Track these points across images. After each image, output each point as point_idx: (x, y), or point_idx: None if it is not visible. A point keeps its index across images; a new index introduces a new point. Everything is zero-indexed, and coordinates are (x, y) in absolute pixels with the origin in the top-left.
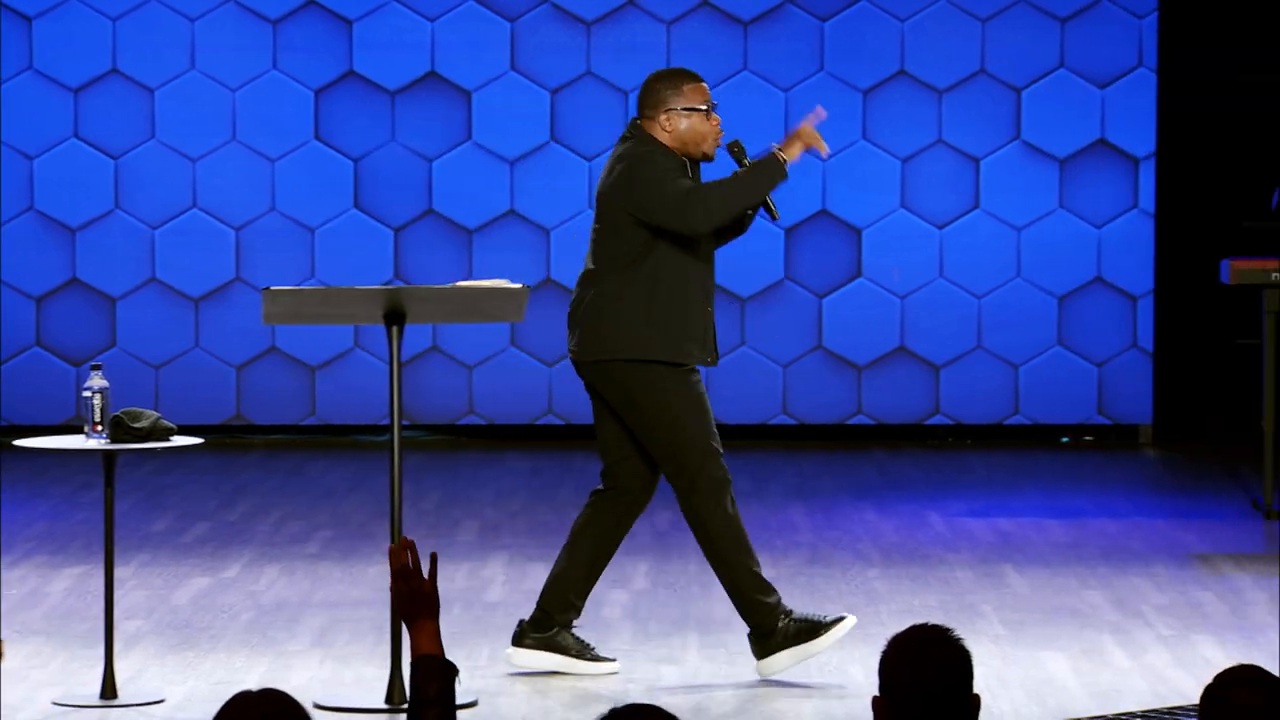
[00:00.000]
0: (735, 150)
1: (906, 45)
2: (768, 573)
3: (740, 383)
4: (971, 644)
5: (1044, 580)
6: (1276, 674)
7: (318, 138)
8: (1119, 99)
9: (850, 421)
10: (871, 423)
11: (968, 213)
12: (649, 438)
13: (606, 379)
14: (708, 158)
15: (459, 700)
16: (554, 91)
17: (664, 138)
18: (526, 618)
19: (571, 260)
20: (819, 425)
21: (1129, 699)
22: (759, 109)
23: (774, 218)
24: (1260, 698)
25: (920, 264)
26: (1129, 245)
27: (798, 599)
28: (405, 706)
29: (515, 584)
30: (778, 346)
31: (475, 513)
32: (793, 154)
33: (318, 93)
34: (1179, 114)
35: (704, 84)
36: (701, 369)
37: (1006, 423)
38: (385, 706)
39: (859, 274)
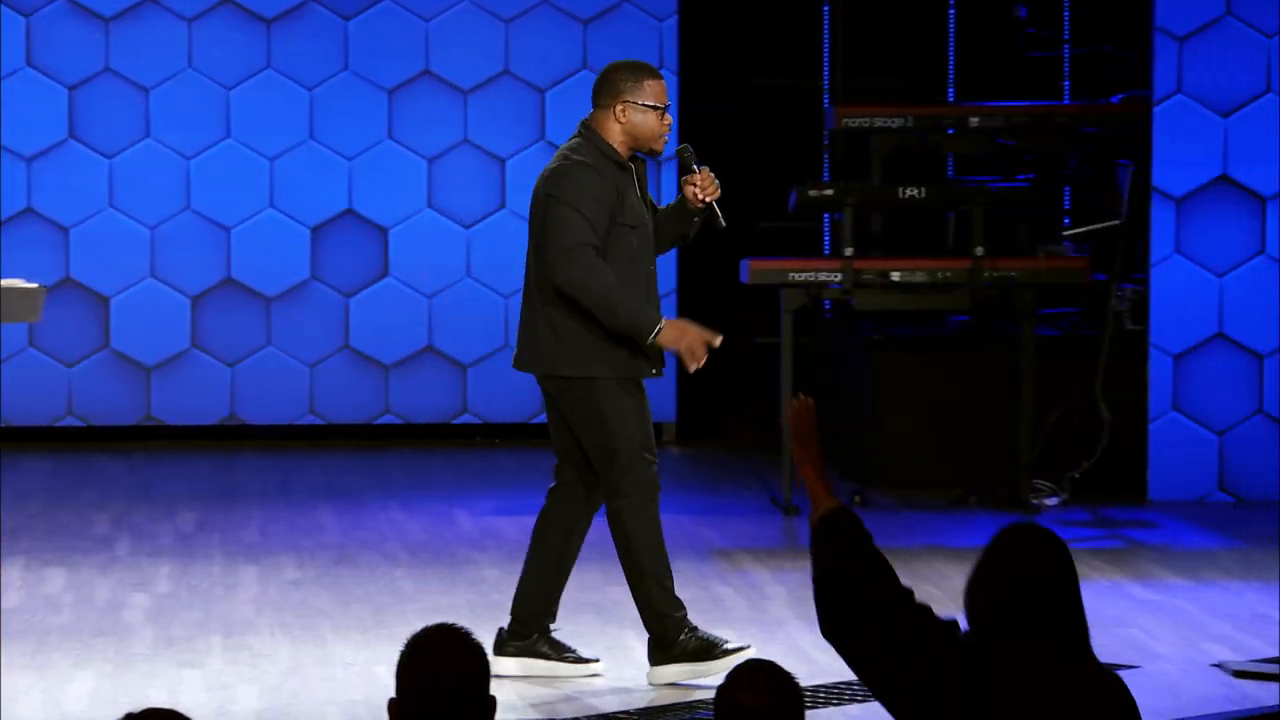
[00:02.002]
0: (684, 156)
1: (431, 45)
2: (291, 573)
3: (266, 383)
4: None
5: (570, 578)
6: (789, 668)
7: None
8: None
9: (378, 421)
10: (400, 422)
11: (494, 212)
12: (584, 438)
13: (554, 391)
14: (655, 154)
15: None
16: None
17: (615, 129)
18: (504, 627)
19: (88, 260)
20: (346, 425)
21: (651, 693)
22: (283, 108)
23: (720, 226)
24: (764, 698)
25: (447, 263)
26: None
27: (325, 600)
28: None
29: (32, 589)
30: (304, 346)
31: None
32: (664, 341)
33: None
34: (698, 116)
35: (663, 83)
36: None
37: (534, 421)
38: None
39: (386, 273)
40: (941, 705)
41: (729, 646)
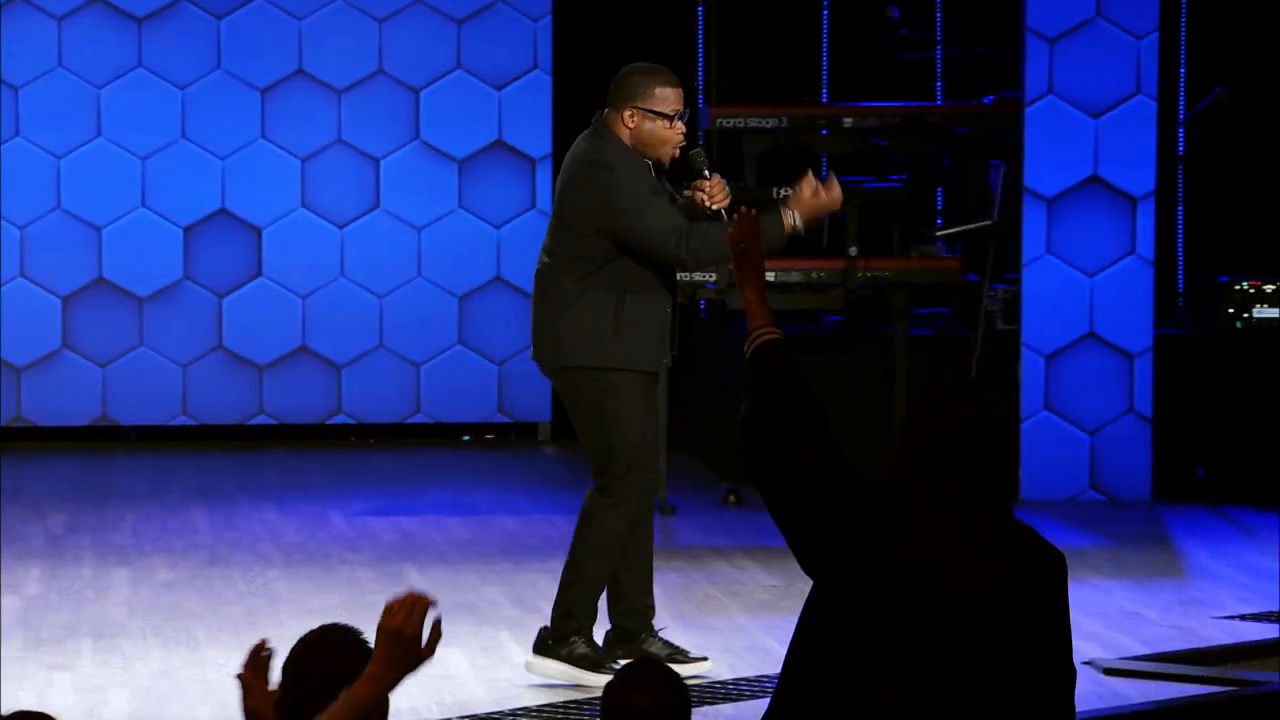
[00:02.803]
0: (696, 161)
1: (304, 44)
2: (163, 575)
3: (139, 383)
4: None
5: (444, 578)
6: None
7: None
8: (517, 101)
9: (251, 422)
10: (273, 422)
11: (368, 212)
12: (586, 435)
13: (564, 385)
14: (662, 163)
15: None
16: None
17: (624, 133)
18: (608, 633)
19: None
20: (220, 425)
21: (525, 695)
22: (155, 107)
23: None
24: (652, 698)
25: (321, 263)
26: (527, 245)
27: (198, 602)
28: None
29: None
30: (176, 346)
31: None
32: (800, 220)
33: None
34: (574, 116)
35: (677, 89)
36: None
37: (409, 421)
38: None
39: (259, 273)
40: (856, 557)
41: (616, 666)
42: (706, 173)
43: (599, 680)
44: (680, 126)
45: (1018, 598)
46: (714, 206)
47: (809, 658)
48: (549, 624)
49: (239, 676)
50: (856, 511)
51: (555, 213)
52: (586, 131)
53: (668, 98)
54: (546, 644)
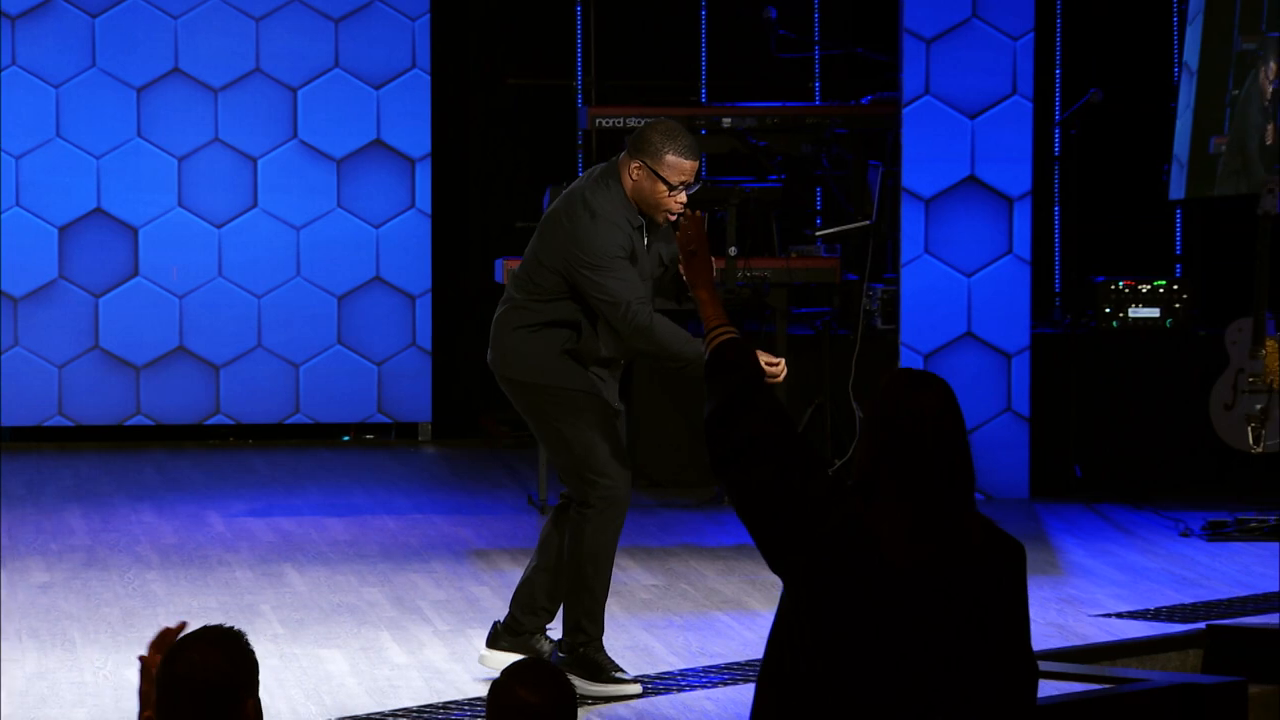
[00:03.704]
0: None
1: (180, 43)
2: (39, 577)
3: (14, 384)
4: (251, 645)
5: (324, 579)
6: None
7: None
8: (394, 100)
9: (129, 423)
10: (151, 423)
11: (246, 212)
12: (554, 452)
13: (516, 395)
14: (654, 222)
15: None
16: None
17: (627, 183)
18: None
19: None
20: (97, 426)
21: (405, 695)
22: (29, 106)
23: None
24: (539, 696)
25: (199, 263)
26: (407, 245)
27: (74, 604)
28: None
29: None
30: (52, 347)
31: None
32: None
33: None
34: (452, 116)
35: (692, 161)
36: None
37: (288, 422)
38: None
39: (136, 273)
40: (825, 550)
41: (621, 676)
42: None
43: (605, 690)
44: (681, 197)
45: (983, 589)
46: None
47: (785, 658)
48: (508, 618)
49: (141, 658)
50: (825, 505)
51: (538, 234)
52: (600, 166)
53: (678, 167)
54: (504, 639)
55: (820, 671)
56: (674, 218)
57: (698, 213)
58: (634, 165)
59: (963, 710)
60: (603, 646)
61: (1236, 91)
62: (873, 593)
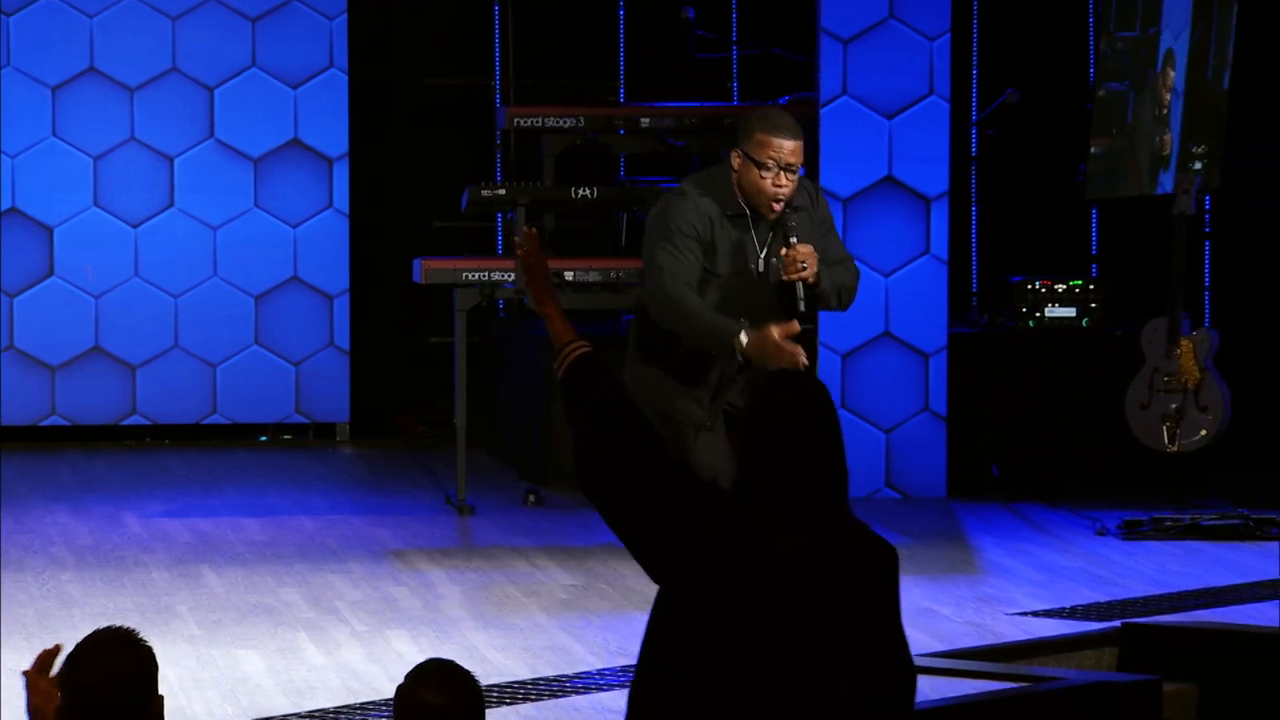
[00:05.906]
0: (789, 225)
1: (96, 42)
2: None
3: None
4: (167, 645)
5: (241, 579)
6: (465, 666)
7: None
8: (311, 99)
9: (44, 423)
10: (66, 424)
11: (162, 211)
12: None
13: None
14: (763, 215)
15: None
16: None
17: (733, 176)
18: None
19: None
20: (11, 427)
21: (322, 696)
22: None
23: (798, 309)
24: (445, 695)
25: (115, 263)
26: (325, 244)
27: None
28: None
29: None
30: None
31: None
32: (749, 349)
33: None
34: (370, 115)
35: (779, 138)
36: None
37: (205, 422)
38: None
39: (51, 273)
40: (702, 556)
41: None
42: (790, 241)
43: None
44: (781, 180)
45: (858, 588)
46: (785, 278)
47: (662, 662)
48: None
49: (25, 673)
50: (699, 511)
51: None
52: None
53: (766, 144)
54: None
55: (701, 664)
56: (778, 207)
57: (533, 229)
58: (735, 155)
59: (841, 706)
60: None
61: (1120, 88)
62: (753, 587)
